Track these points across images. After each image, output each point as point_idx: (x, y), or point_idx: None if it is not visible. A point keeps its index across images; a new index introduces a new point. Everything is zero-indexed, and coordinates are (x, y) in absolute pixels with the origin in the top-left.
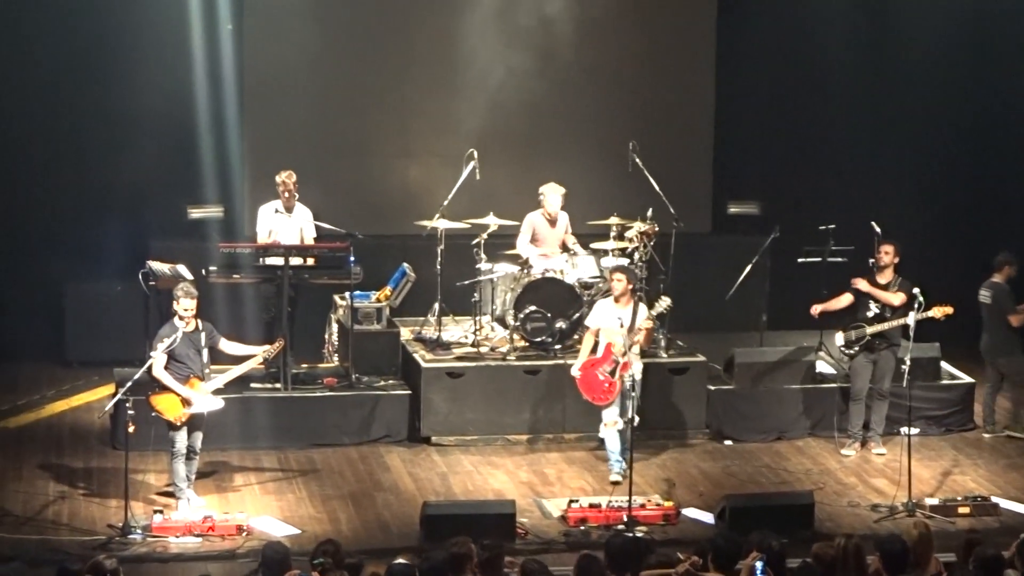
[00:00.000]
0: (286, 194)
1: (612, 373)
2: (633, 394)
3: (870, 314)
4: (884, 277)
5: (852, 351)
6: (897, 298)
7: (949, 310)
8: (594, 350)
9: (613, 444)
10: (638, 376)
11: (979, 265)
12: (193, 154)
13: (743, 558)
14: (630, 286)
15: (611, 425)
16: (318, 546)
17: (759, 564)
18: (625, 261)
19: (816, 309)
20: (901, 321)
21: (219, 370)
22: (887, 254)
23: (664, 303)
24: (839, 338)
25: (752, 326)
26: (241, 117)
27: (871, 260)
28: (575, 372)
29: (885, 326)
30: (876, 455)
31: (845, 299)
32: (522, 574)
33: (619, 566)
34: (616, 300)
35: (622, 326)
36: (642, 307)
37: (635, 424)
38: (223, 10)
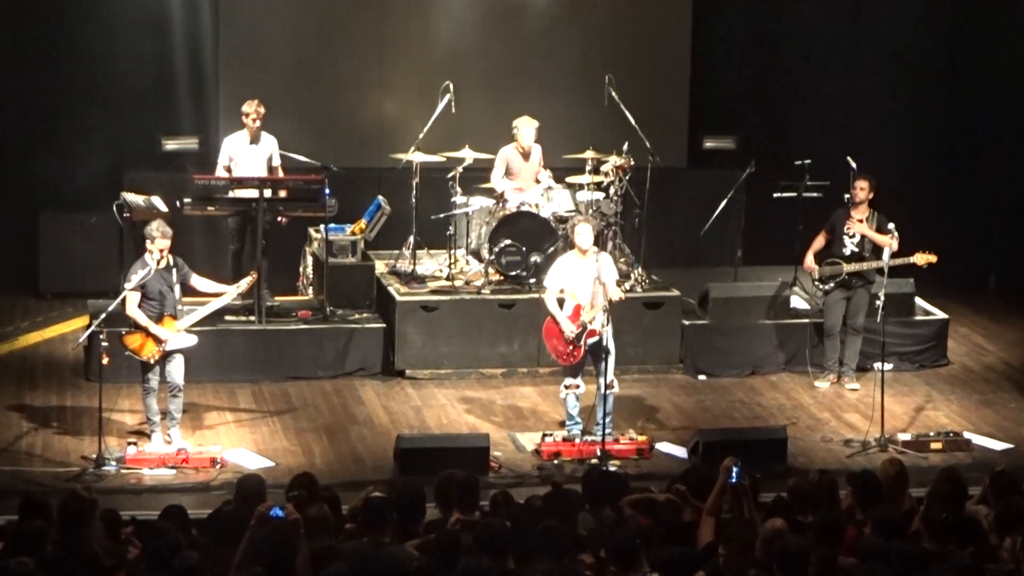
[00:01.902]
0: (256, 123)
1: (578, 338)
2: (609, 358)
3: (847, 251)
4: (860, 212)
5: (827, 287)
6: (894, 242)
7: (932, 258)
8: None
9: (572, 408)
10: (610, 341)
11: (954, 199)
12: (168, 85)
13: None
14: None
15: (571, 388)
16: (293, 479)
17: (735, 468)
18: (600, 195)
19: (810, 265)
20: (879, 263)
21: (197, 303)
22: (862, 190)
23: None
24: (810, 261)
25: (727, 261)
26: (216, 48)
27: (847, 195)
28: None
29: (863, 266)
30: (849, 390)
31: (821, 239)
32: (491, 505)
33: (596, 500)
34: (582, 253)
35: (596, 282)
36: (605, 257)
37: (615, 389)
38: None
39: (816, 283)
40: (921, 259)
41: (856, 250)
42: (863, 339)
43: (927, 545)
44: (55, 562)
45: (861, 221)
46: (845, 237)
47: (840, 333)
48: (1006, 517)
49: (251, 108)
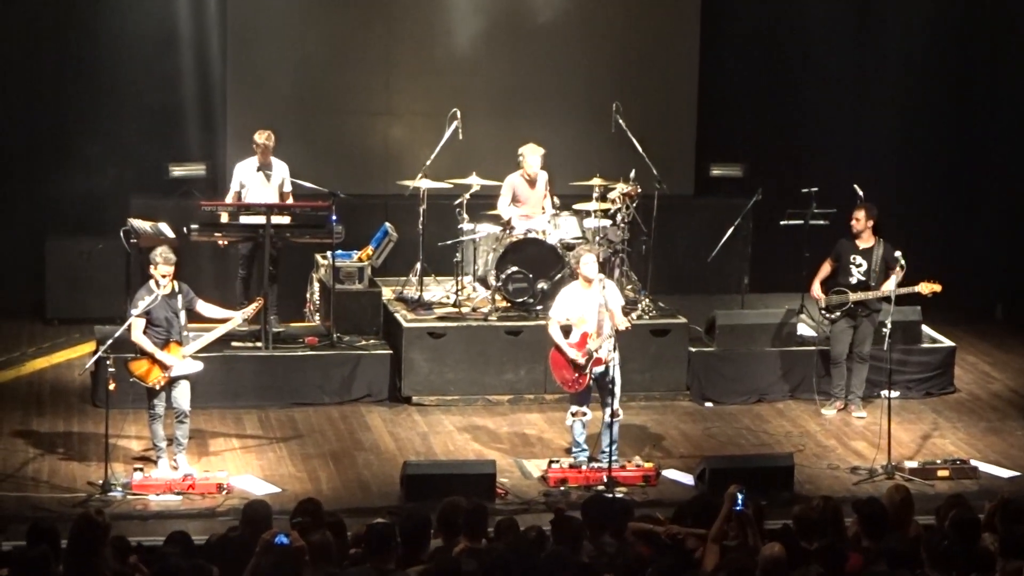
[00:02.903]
0: (265, 153)
1: (585, 366)
2: (614, 387)
3: (853, 280)
4: (864, 241)
5: (833, 316)
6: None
7: (937, 288)
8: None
9: (578, 435)
10: (616, 370)
11: (961, 227)
12: (175, 112)
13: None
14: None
15: (578, 415)
16: (298, 505)
17: (740, 496)
18: (607, 223)
19: (817, 294)
20: (884, 292)
21: (203, 328)
22: (857, 220)
23: (632, 316)
24: (816, 289)
25: (734, 288)
26: (224, 75)
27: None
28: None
29: (869, 295)
30: (856, 418)
31: (827, 267)
32: (496, 531)
33: (597, 526)
34: (587, 283)
35: (602, 310)
36: (610, 285)
37: (620, 417)
38: None
39: (822, 311)
40: (926, 288)
41: (863, 279)
42: (869, 367)
43: (929, 573)
44: None
45: (856, 250)
46: (851, 266)
47: (846, 361)
48: (1013, 544)
49: (260, 139)
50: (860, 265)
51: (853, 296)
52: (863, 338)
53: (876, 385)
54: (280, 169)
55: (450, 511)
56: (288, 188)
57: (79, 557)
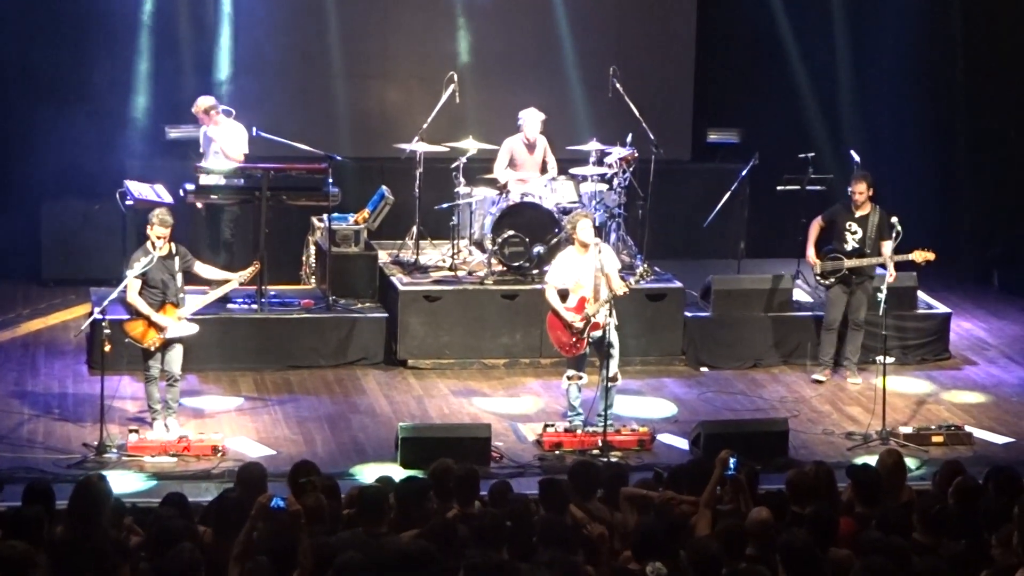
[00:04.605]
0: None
1: (582, 331)
2: (612, 351)
3: (848, 247)
4: (861, 209)
5: (828, 282)
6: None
7: (931, 256)
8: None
9: (574, 399)
10: (613, 335)
11: (957, 194)
12: (171, 74)
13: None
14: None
15: (574, 379)
16: (298, 466)
17: (732, 461)
18: (604, 187)
19: (813, 259)
20: (879, 260)
21: (198, 290)
22: (860, 193)
23: (631, 280)
24: (812, 254)
25: (730, 254)
26: (221, 38)
27: (850, 189)
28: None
29: (863, 262)
30: (851, 384)
31: (816, 228)
32: (490, 495)
33: (581, 490)
34: (583, 248)
35: (599, 275)
36: (607, 249)
37: (618, 383)
38: None
39: (817, 277)
40: (919, 256)
41: (857, 246)
42: (865, 333)
43: (919, 537)
44: (63, 549)
45: (853, 218)
46: (846, 233)
47: (840, 327)
48: (1001, 511)
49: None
50: (856, 232)
51: (848, 263)
52: (858, 304)
53: (871, 351)
54: (217, 135)
55: (441, 474)
56: (234, 154)
57: (80, 522)
